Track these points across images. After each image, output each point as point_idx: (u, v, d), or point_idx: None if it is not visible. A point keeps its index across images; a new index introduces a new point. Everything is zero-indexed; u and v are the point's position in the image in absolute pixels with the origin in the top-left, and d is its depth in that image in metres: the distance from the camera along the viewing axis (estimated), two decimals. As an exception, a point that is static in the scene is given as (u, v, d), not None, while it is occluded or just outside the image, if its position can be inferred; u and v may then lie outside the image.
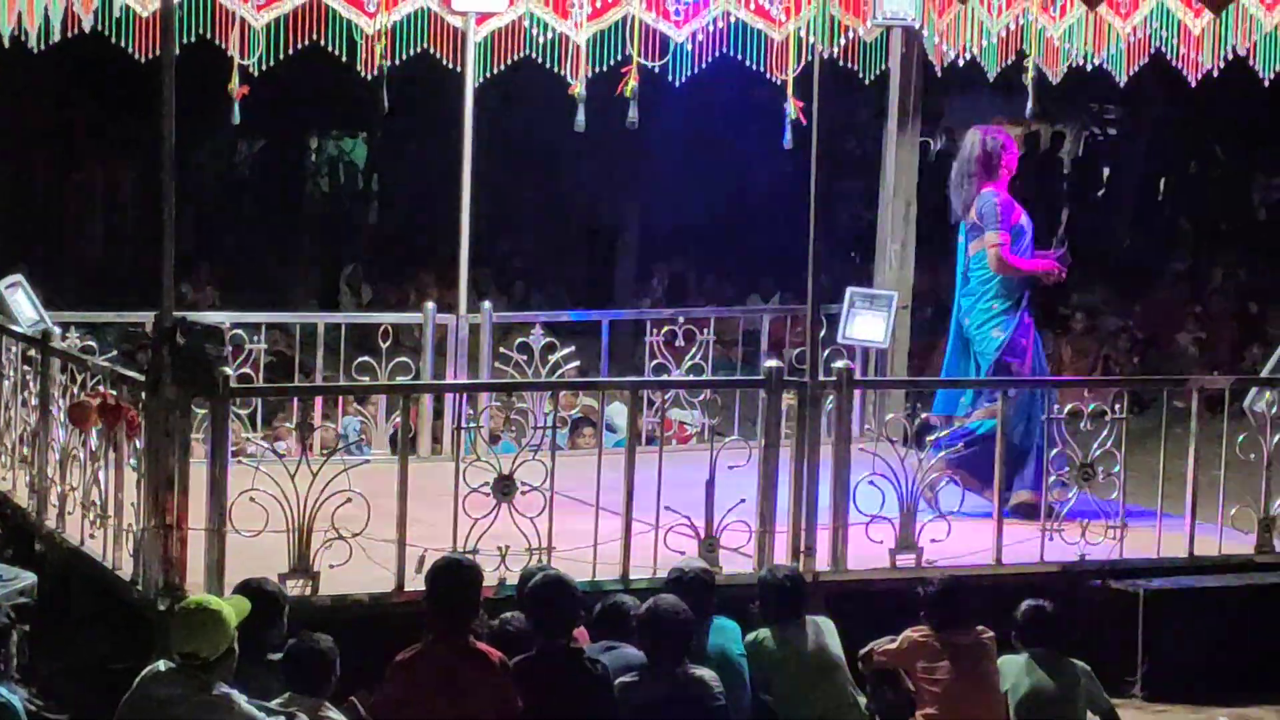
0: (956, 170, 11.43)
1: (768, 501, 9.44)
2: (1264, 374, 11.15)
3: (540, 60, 12.06)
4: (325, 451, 9.21)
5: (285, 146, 29.15)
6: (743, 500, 9.46)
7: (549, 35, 11.99)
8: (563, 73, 12.08)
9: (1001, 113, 30.93)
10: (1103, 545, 10.03)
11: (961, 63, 12.11)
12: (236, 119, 11.56)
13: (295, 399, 12.28)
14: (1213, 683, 9.81)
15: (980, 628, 8.77)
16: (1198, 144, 28.51)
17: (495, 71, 12.15)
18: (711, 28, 12.10)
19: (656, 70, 12.10)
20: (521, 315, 15.28)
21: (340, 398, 12.39)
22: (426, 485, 9.22)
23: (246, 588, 7.97)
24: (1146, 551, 10.15)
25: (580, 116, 12.07)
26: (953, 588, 8.83)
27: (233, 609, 7.42)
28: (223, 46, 11.31)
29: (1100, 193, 29.42)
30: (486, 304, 12.78)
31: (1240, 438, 10.36)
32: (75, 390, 9.72)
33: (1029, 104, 12.03)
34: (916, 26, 11.68)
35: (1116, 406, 10.23)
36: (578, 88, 12.04)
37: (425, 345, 12.44)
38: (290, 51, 11.43)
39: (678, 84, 12.20)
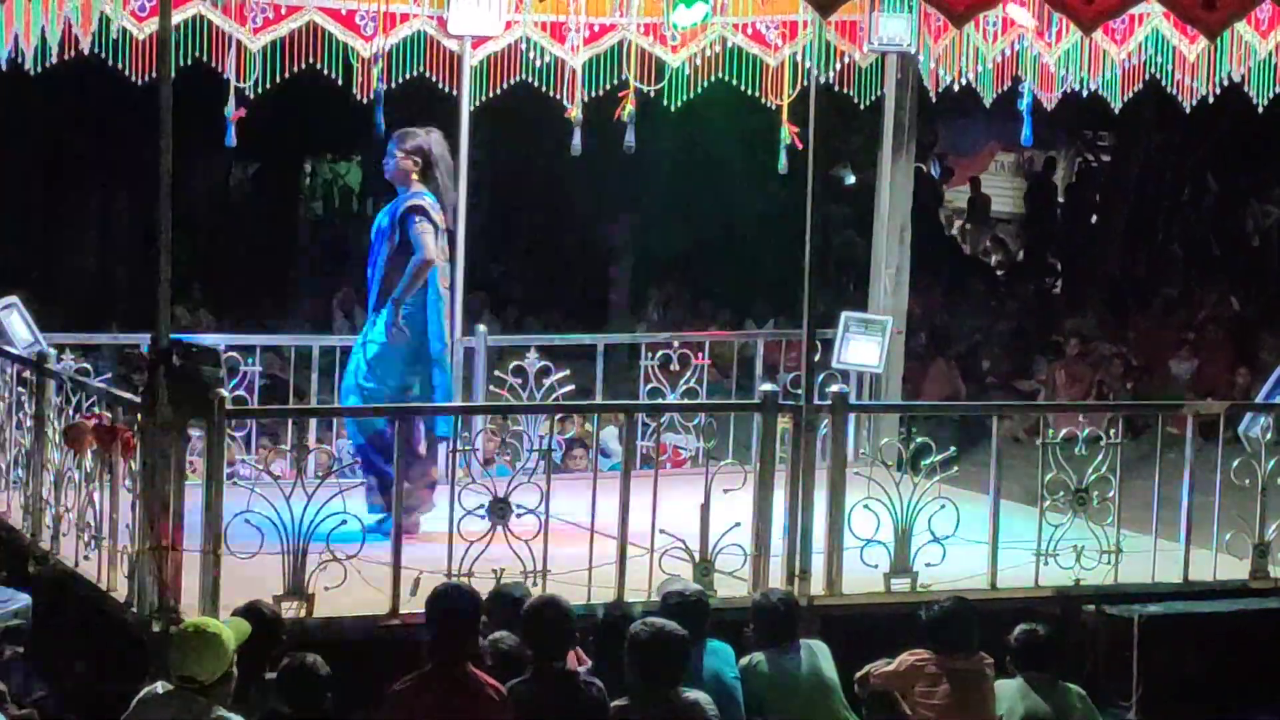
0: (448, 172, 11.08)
1: (762, 525, 9.44)
2: (1259, 399, 11.16)
3: (536, 84, 12.09)
4: (320, 473, 9.20)
5: (280, 170, 29.17)
6: (737, 524, 9.45)
7: (545, 59, 12.03)
8: (559, 97, 12.11)
9: (996, 138, 31.19)
10: (1097, 570, 10.03)
11: (957, 88, 12.15)
12: (232, 142, 11.56)
13: (290, 421, 12.28)
14: (1207, 708, 9.79)
15: (982, 654, 8.77)
16: (1191, 170, 28.55)
17: (491, 95, 12.17)
18: (708, 52, 12.14)
19: (652, 94, 12.14)
20: (516, 339, 15.27)
21: (335, 420, 12.35)
22: (422, 508, 9.21)
23: (245, 610, 7.96)
24: (1141, 577, 10.14)
25: (576, 140, 12.10)
26: (958, 611, 8.82)
27: (232, 632, 7.42)
28: (219, 69, 11.34)
29: (1093, 218, 29.45)
30: (481, 327, 12.77)
31: (1235, 463, 10.35)
32: (70, 412, 9.70)
33: (1024, 130, 12.06)
34: (912, 52, 11.75)
35: (1111, 432, 10.20)
36: (574, 112, 12.08)
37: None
38: (286, 75, 11.46)
39: (673, 108, 12.24)
